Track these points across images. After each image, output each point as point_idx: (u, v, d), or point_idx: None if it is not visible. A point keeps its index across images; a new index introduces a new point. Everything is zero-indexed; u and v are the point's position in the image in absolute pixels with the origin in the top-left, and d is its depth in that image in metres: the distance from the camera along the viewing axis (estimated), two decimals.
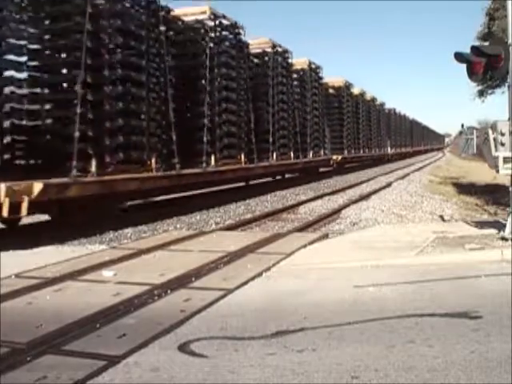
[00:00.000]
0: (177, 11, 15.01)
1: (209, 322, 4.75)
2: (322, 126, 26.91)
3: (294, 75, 23.58)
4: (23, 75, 11.71)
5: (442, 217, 12.33)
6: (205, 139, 15.17)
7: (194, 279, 6.22)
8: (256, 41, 20.10)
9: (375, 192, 18.72)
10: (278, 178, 23.54)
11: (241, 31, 17.97)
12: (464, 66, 8.54)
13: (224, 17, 16.85)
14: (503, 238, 7.88)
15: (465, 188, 19.47)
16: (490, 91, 20.78)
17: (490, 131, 8.31)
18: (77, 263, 7.11)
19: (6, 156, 11.27)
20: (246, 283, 6.03)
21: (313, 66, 25.91)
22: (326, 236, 9.34)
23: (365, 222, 11.76)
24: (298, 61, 24.03)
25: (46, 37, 11.86)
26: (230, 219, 12.94)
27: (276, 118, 20.72)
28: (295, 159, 22.88)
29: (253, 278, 6.24)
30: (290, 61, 22.56)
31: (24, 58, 11.66)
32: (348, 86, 32.42)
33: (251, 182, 20.68)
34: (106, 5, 11.65)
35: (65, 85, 11.96)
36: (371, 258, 7.06)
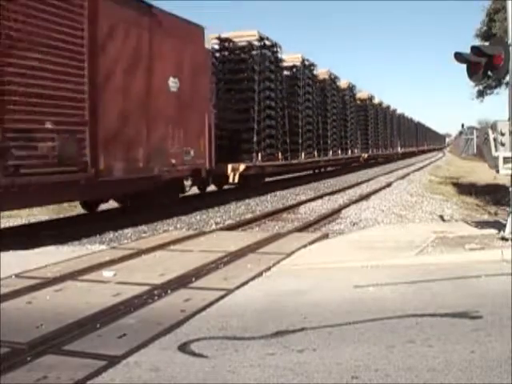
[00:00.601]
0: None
1: (209, 322, 4.75)
2: (355, 130, 34.93)
3: (340, 94, 31.59)
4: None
5: (442, 217, 12.33)
6: (300, 141, 23.71)
7: (194, 279, 6.22)
8: (321, 71, 27.56)
9: (375, 192, 18.72)
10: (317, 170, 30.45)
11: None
12: (464, 66, 8.55)
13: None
14: (503, 238, 7.88)
15: (465, 188, 19.47)
16: (488, 91, 20.80)
17: (490, 131, 8.31)
18: (77, 263, 7.11)
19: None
20: (246, 283, 6.03)
21: (351, 86, 34.27)
22: (326, 236, 9.34)
23: (365, 222, 11.77)
24: (342, 82, 32.06)
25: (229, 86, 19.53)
26: (230, 219, 12.93)
27: (331, 126, 29.03)
28: (341, 155, 31.21)
29: (253, 278, 6.24)
30: (338, 84, 30.95)
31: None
32: (371, 98, 40.50)
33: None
34: (260, 65, 19.35)
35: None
36: (371, 258, 7.06)
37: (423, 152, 72.86)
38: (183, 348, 4.14)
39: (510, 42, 7.97)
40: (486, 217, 12.05)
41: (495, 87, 19.60)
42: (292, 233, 10.02)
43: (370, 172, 32.45)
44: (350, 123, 32.81)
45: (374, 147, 39.64)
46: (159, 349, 4.13)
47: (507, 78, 8.49)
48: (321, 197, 17.41)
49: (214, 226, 11.79)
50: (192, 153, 13.78)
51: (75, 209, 14.88)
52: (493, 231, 8.49)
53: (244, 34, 18.93)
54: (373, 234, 9.38)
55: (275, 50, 20.63)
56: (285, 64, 22.36)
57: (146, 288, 5.73)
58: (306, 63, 24.89)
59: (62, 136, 9.37)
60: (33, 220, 13.29)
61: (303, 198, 17.48)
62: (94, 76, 10.26)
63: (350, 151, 32.81)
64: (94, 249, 8.55)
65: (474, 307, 5.00)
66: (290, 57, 22.76)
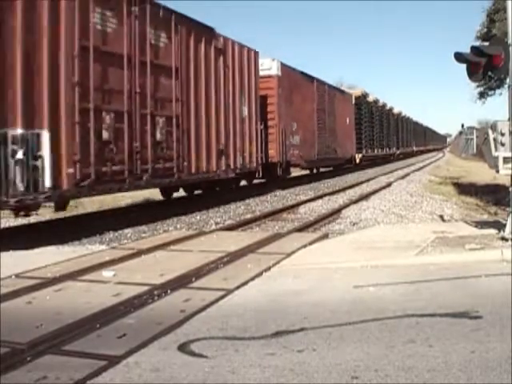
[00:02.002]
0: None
1: (209, 322, 4.75)
2: (392, 136, 50.41)
3: (386, 112, 46.94)
4: None
5: (441, 217, 12.33)
6: (375, 143, 40.59)
7: (194, 279, 6.21)
8: (390, 105, 48.55)
9: (375, 192, 18.71)
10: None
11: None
12: (464, 66, 8.54)
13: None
14: (503, 238, 7.87)
15: (465, 188, 19.46)
16: (490, 93, 20.77)
17: (490, 131, 8.31)
18: (77, 263, 7.11)
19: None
20: (246, 283, 6.03)
21: (391, 107, 49.72)
22: (326, 236, 9.34)
23: (365, 222, 11.76)
24: (395, 108, 51.10)
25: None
26: (230, 219, 12.93)
27: (384, 134, 44.99)
28: (388, 152, 47.43)
29: (253, 278, 6.24)
30: (394, 111, 50.30)
31: None
32: (400, 113, 56.17)
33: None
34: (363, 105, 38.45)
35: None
36: (371, 258, 7.06)
37: (429, 151, 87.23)
38: (183, 348, 4.13)
39: (510, 41, 7.96)
40: (485, 217, 12.05)
41: (497, 88, 19.57)
42: (292, 233, 10.02)
43: (369, 172, 32.46)
44: (391, 131, 49.29)
45: (401, 146, 56.15)
46: (159, 349, 4.13)
47: (508, 80, 8.49)
48: (321, 197, 17.41)
49: (213, 226, 11.79)
50: (348, 147, 32.44)
51: (75, 209, 14.90)
52: (493, 231, 8.49)
53: (358, 91, 37.31)
54: (373, 234, 9.38)
55: (367, 95, 39.20)
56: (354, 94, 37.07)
57: (145, 288, 5.73)
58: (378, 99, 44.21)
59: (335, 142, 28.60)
60: (33, 220, 13.29)
61: (303, 197, 17.47)
62: (334, 121, 28.67)
63: (391, 149, 49.80)
64: (94, 249, 8.56)
65: (473, 307, 5.00)
66: (356, 91, 37.76)
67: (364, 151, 37.09)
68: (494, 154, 8.14)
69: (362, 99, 37.33)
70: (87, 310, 4.97)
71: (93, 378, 3.58)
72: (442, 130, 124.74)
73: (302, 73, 24.16)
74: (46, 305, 5.28)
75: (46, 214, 14.12)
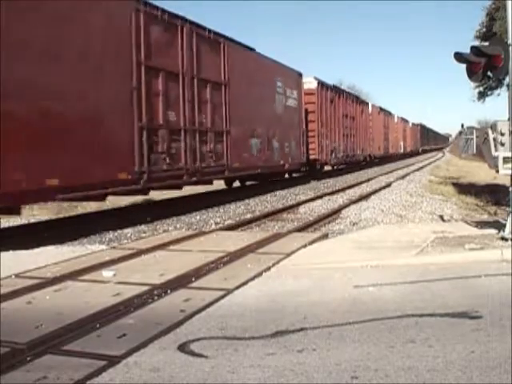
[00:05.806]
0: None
1: (209, 322, 4.75)
2: (426, 139, 79.39)
3: (425, 128, 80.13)
4: None
5: (441, 217, 12.32)
6: (422, 144, 78.52)
7: (193, 279, 6.22)
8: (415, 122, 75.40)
9: (375, 192, 18.71)
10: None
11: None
12: (464, 66, 8.54)
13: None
14: (503, 238, 7.88)
15: (465, 188, 19.44)
16: (489, 93, 20.76)
17: (490, 131, 8.31)
18: (77, 263, 7.11)
19: None
20: (245, 283, 6.03)
21: (428, 125, 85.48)
22: (325, 236, 9.34)
23: (365, 222, 11.76)
24: (425, 124, 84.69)
25: None
26: (230, 219, 12.93)
27: (427, 140, 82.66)
28: (431, 147, 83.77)
29: (253, 278, 6.24)
30: (426, 126, 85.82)
31: None
32: (428, 127, 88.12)
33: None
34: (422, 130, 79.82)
35: None
36: (371, 258, 7.06)
37: (438, 149, 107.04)
38: (183, 348, 4.14)
39: (509, 41, 7.96)
40: (485, 217, 12.04)
41: (496, 88, 19.57)
42: (292, 233, 10.02)
43: (369, 172, 32.43)
44: (425, 137, 77.20)
45: (427, 145, 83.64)
46: (159, 349, 4.14)
47: (507, 79, 8.49)
48: (321, 197, 17.39)
49: (213, 226, 11.79)
50: (418, 145, 69.96)
51: (75, 209, 14.90)
52: (493, 231, 8.49)
53: (418, 122, 71.76)
54: (373, 233, 9.38)
55: (426, 126, 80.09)
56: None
57: (145, 288, 5.73)
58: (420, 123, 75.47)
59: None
60: (33, 220, 13.30)
61: (303, 198, 17.47)
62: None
63: (425, 146, 77.90)
64: (94, 249, 8.55)
65: (473, 307, 5.00)
66: (416, 122, 69.22)
67: (422, 147, 73.23)
68: (494, 153, 8.15)
69: (419, 125, 71.71)
70: (87, 309, 4.97)
71: (93, 377, 3.59)
72: (442, 130, 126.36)
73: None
74: (46, 305, 5.28)
75: (45, 214, 14.13)
